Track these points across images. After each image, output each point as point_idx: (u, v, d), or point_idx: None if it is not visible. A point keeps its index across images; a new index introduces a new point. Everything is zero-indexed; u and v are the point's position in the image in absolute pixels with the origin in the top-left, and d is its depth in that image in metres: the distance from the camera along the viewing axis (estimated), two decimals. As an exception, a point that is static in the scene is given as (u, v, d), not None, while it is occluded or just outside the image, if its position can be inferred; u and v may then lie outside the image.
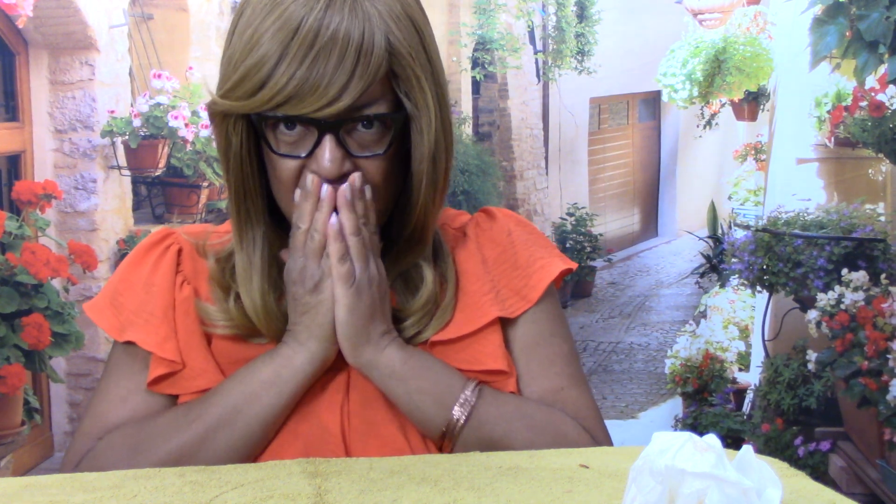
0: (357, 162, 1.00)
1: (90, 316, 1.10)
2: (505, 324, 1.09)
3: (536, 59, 5.35)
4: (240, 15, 1.00)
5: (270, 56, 0.95)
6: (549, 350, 1.10)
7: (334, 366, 1.05)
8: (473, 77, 4.99)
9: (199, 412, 1.02)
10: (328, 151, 0.98)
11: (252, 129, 1.01)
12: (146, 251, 1.11)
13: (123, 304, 1.08)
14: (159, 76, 3.42)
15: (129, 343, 1.07)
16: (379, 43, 0.96)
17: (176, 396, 1.06)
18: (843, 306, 2.78)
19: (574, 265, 1.14)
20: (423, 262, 1.08)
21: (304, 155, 0.99)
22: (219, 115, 1.01)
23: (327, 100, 0.95)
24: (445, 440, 1.03)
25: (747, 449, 0.76)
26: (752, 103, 4.55)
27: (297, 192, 1.01)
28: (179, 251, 1.10)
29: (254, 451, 1.02)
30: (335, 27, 0.94)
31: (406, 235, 1.07)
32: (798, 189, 3.48)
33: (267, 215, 1.06)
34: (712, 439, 0.74)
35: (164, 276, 1.08)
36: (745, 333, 4.37)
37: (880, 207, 3.34)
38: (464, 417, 1.02)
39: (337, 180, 0.99)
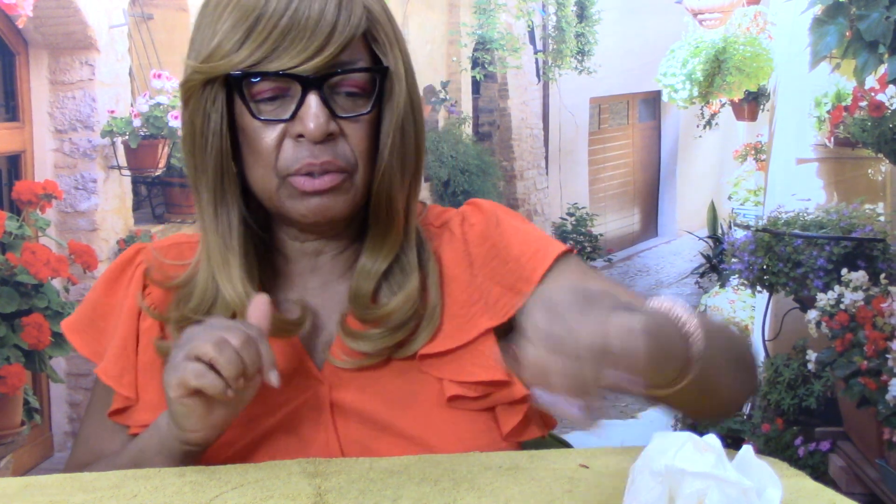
0: (342, 125, 0.97)
1: (68, 337, 1.08)
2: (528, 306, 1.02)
3: (536, 59, 5.35)
4: None
5: (251, 7, 0.93)
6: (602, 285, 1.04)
7: (314, 403, 1.02)
8: (473, 77, 4.99)
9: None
10: (313, 108, 0.95)
11: (229, 104, 0.98)
12: (121, 271, 1.09)
13: (105, 327, 1.08)
14: (159, 76, 3.42)
15: None
16: (358, 1, 0.96)
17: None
18: (842, 306, 2.78)
19: (569, 247, 1.08)
20: (403, 257, 1.04)
21: (286, 118, 0.96)
22: (197, 90, 0.97)
23: (310, 52, 0.93)
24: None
25: (747, 449, 0.76)
26: (752, 103, 4.55)
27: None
28: (146, 271, 1.08)
29: None
30: None
31: (377, 221, 1.02)
32: (798, 189, 3.47)
33: (243, 198, 1.02)
34: (712, 439, 0.74)
35: (129, 303, 1.06)
36: (745, 333, 4.37)
37: (880, 207, 3.34)
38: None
39: (321, 143, 0.96)
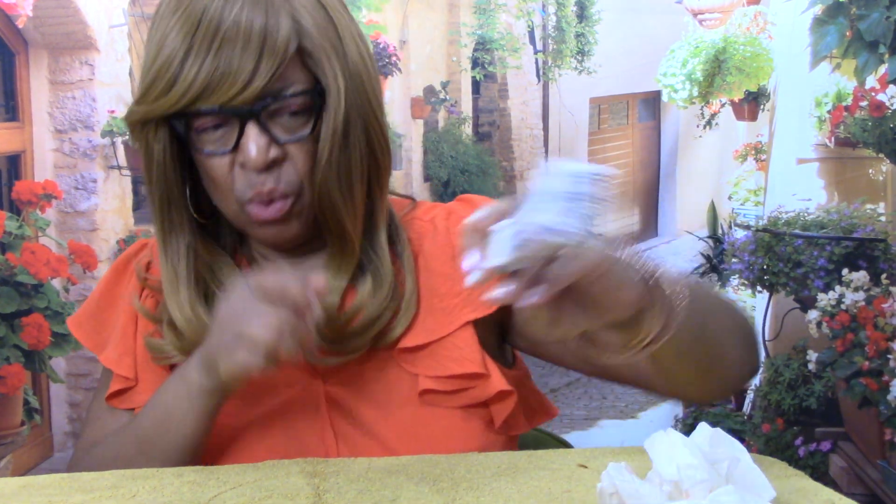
0: (286, 149, 0.97)
1: (72, 331, 1.12)
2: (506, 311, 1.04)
3: (536, 59, 5.35)
4: (151, 23, 0.98)
5: (176, 52, 0.93)
6: None
7: (309, 400, 1.03)
8: (473, 77, 4.99)
9: (123, 440, 1.02)
10: (252, 139, 0.95)
11: (174, 136, 0.98)
12: (125, 265, 1.12)
13: (106, 319, 1.10)
14: (159, 76, 3.42)
15: None
16: (284, 23, 0.94)
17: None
18: (843, 306, 2.77)
19: None
20: (373, 257, 1.04)
21: (229, 149, 0.96)
22: (138, 125, 0.98)
23: (239, 86, 0.92)
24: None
25: (704, 428, 0.76)
26: (752, 103, 4.55)
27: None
28: (148, 264, 1.10)
29: (189, 462, 0.99)
30: (236, 14, 0.93)
31: (330, 236, 1.02)
32: (798, 189, 3.47)
33: (193, 225, 1.03)
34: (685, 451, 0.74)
35: (131, 288, 1.09)
36: (745, 310, 4.36)
37: (881, 207, 3.34)
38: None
39: (266, 170, 0.96)
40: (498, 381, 1.04)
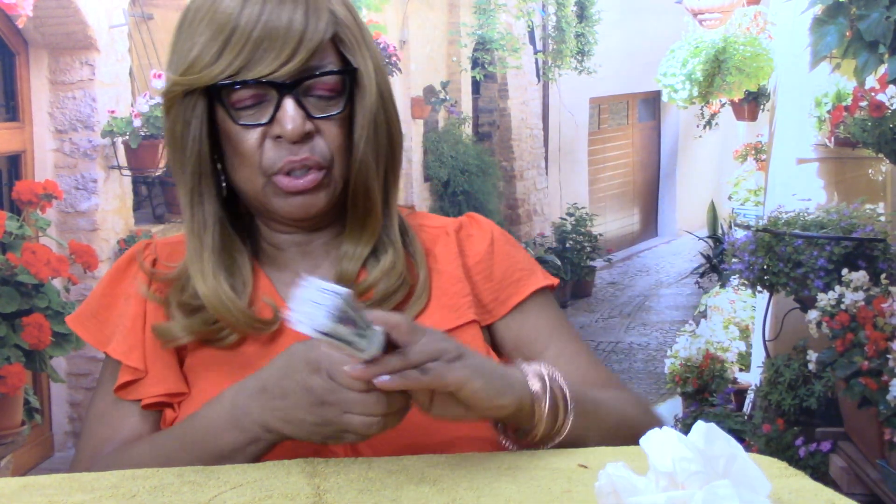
0: (317, 124, 1.04)
1: (73, 328, 1.14)
2: (494, 331, 1.13)
3: (536, 59, 5.35)
4: (188, 6, 1.05)
5: (226, 21, 1.00)
6: (561, 337, 1.14)
7: None
8: (473, 77, 4.99)
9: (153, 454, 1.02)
10: (289, 111, 1.01)
11: (208, 112, 1.04)
12: (127, 264, 1.14)
13: (108, 317, 1.13)
14: (159, 76, 3.42)
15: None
16: (324, 5, 1.03)
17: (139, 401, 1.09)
18: (843, 306, 2.77)
19: (554, 281, 1.16)
20: (385, 238, 1.10)
21: (265, 121, 1.02)
22: (177, 99, 1.04)
23: (284, 58, 1.00)
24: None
25: (700, 426, 0.76)
26: (752, 103, 4.55)
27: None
28: (154, 261, 1.13)
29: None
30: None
31: (355, 209, 1.08)
32: (798, 189, 3.48)
33: (221, 199, 1.08)
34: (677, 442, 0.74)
35: (136, 286, 1.12)
36: (745, 333, 4.37)
37: (880, 207, 3.34)
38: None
39: (299, 142, 1.03)
40: None
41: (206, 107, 1.04)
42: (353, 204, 1.08)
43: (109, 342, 1.11)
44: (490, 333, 1.13)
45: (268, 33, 0.99)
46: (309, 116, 1.03)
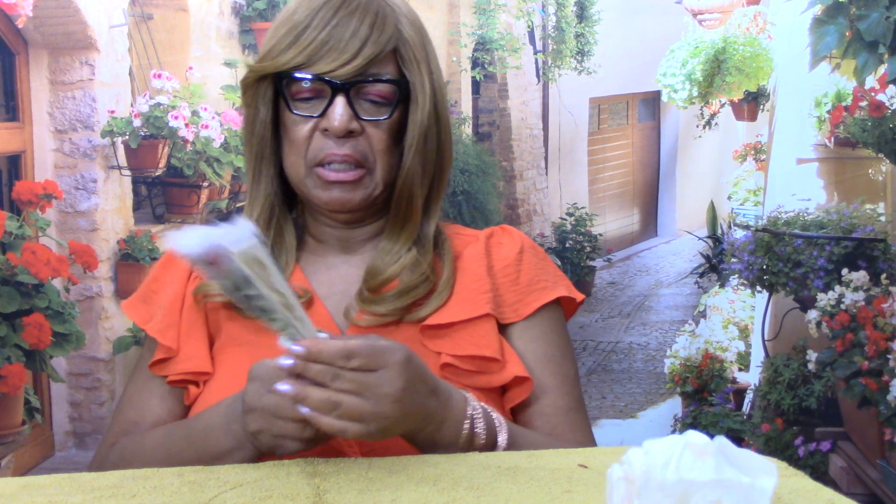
0: (364, 126, 1.12)
1: (125, 311, 1.25)
2: (511, 333, 1.17)
3: (536, 59, 5.35)
4: None
5: (301, 21, 1.11)
6: (561, 368, 1.19)
7: None
8: (473, 77, 4.99)
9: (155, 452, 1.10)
10: (339, 107, 1.11)
11: (274, 100, 1.14)
12: (172, 258, 1.23)
13: (154, 299, 1.22)
14: (159, 76, 3.42)
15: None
16: (391, 22, 1.13)
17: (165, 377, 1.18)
18: (843, 306, 2.77)
19: (578, 295, 1.22)
20: (418, 242, 1.18)
21: (317, 115, 1.12)
22: (252, 84, 1.15)
23: (343, 60, 1.10)
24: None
25: (722, 441, 0.76)
26: (751, 103, 4.55)
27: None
28: None
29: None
30: (353, 7, 1.12)
31: (397, 211, 1.17)
32: (798, 189, 3.48)
33: (277, 180, 1.19)
34: (700, 437, 0.74)
35: (181, 271, 1.21)
36: (744, 333, 4.37)
37: (880, 207, 3.34)
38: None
39: (344, 138, 1.11)
40: (515, 367, 1.14)
41: (273, 95, 1.14)
42: (395, 208, 1.17)
43: (151, 320, 1.20)
44: (507, 336, 1.18)
45: (333, 37, 1.10)
46: (357, 117, 1.12)
